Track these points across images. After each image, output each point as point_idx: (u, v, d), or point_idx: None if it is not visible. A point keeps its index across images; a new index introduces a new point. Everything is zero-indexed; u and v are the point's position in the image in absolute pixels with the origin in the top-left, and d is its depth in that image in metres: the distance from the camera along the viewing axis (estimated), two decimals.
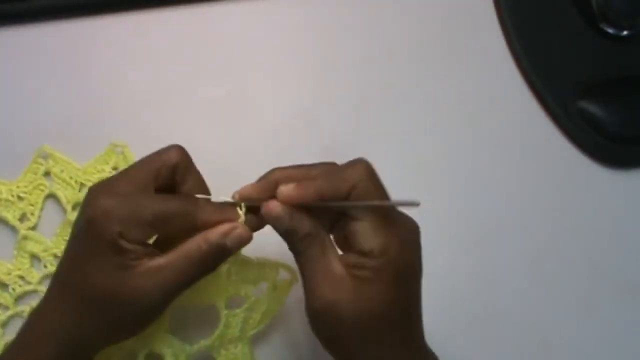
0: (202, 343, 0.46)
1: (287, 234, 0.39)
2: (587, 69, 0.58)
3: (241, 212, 0.40)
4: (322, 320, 0.39)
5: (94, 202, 0.38)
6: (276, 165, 0.42)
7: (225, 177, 0.44)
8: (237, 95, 0.54)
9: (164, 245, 0.40)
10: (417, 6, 0.57)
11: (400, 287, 0.39)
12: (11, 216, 0.49)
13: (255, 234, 0.41)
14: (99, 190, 0.39)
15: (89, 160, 0.51)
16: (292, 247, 0.40)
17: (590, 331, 0.53)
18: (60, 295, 0.40)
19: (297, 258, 0.40)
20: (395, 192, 0.48)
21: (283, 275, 0.47)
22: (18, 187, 0.50)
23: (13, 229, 0.49)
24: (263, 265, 0.47)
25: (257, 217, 0.41)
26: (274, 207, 0.39)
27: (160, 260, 0.38)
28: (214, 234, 0.39)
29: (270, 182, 0.40)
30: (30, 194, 0.50)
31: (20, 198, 0.50)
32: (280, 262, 0.47)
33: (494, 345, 0.52)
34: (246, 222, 0.41)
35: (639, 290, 0.54)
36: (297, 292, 0.48)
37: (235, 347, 0.48)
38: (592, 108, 0.56)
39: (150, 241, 0.41)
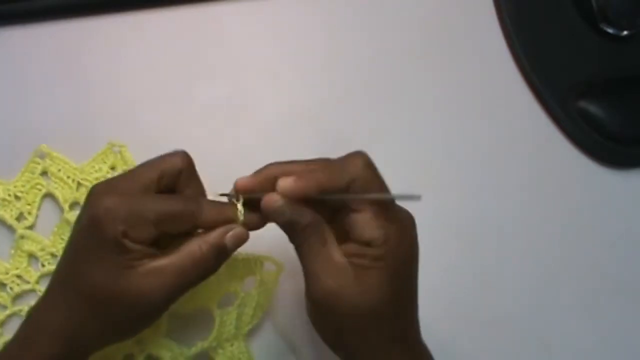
0: (200, 345, 0.46)
1: (288, 226, 0.40)
2: (587, 69, 0.58)
3: (239, 208, 0.40)
4: (323, 309, 0.39)
5: (97, 201, 0.38)
6: None
7: (225, 177, 0.44)
8: (237, 95, 0.54)
9: (164, 248, 0.40)
10: (417, 6, 0.57)
11: (400, 276, 0.39)
12: (8, 215, 0.49)
13: None
14: (101, 190, 0.39)
15: (86, 159, 0.51)
16: (293, 238, 0.40)
17: (590, 331, 0.53)
18: (61, 293, 0.40)
19: (297, 249, 0.40)
20: (395, 190, 0.48)
21: (268, 267, 0.48)
22: (15, 186, 0.50)
23: (10, 229, 0.49)
24: (247, 261, 0.47)
25: (257, 215, 0.41)
26: (274, 200, 0.39)
27: (162, 261, 0.38)
28: (213, 235, 0.40)
29: (267, 176, 0.40)
30: (28, 193, 0.50)
31: (17, 197, 0.50)
32: (264, 255, 0.47)
33: (494, 346, 0.52)
34: (245, 218, 0.41)
35: (639, 290, 0.54)
36: (289, 287, 0.48)
37: (231, 345, 0.48)
38: (592, 108, 0.56)
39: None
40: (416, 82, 0.56)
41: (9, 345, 0.40)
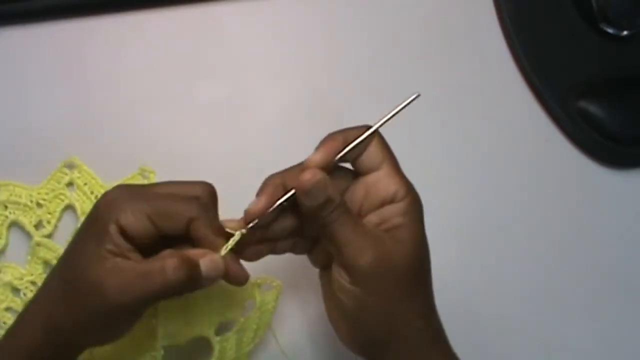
0: None
1: (323, 205, 0.38)
2: (587, 69, 0.58)
3: (227, 246, 0.39)
4: (367, 279, 0.38)
5: (106, 193, 0.39)
6: (277, 166, 0.41)
7: (225, 177, 0.44)
8: (237, 95, 0.54)
9: None
10: (417, 6, 0.57)
11: (423, 228, 0.40)
12: (28, 221, 0.49)
13: None
14: (116, 186, 0.40)
15: (86, 159, 0.50)
16: (324, 218, 0.39)
17: (589, 330, 0.53)
18: (49, 284, 0.39)
19: (329, 228, 0.39)
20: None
21: (266, 287, 0.47)
22: (39, 193, 0.49)
23: (29, 234, 0.49)
24: (244, 287, 0.45)
25: (238, 266, 0.40)
26: (313, 174, 0.38)
27: (129, 263, 0.38)
28: (189, 251, 0.39)
29: (272, 187, 0.39)
30: (50, 202, 0.49)
31: (39, 204, 0.49)
32: (261, 277, 0.46)
33: (494, 346, 0.52)
34: (226, 257, 0.39)
35: (639, 290, 0.54)
36: (295, 301, 0.48)
37: None
38: (592, 108, 0.56)
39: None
40: (416, 82, 0.56)
41: (5, 332, 0.39)
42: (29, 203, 0.49)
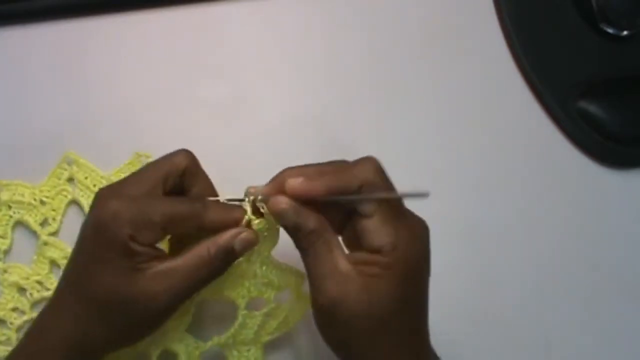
0: (216, 340, 0.45)
1: (293, 230, 0.39)
2: (586, 68, 0.58)
3: (248, 209, 0.41)
4: (327, 317, 0.39)
5: (104, 204, 0.39)
6: (277, 166, 0.41)
7: (226, 177, 0.44)
8: (237, 96, 0.54)
9: (173, 249, 0.41)
10: (417, 6, 0.57)
11: (410, 283, 0.39)
12: (32, 220, 0.49)
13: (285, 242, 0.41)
14: (107, 194, 0.40)
15: (86, 159, 0.51)
16: (298, 243, 0.40)
17: (589, 330, 0.53)
18: (67, 300, 0.39)
19: (303, 254, 0.40)
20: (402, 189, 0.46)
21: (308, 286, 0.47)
22: (41, 191, 0.49)
23: (33, 233, 0.49)
24: (290, 272, 0.46)
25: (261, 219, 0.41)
26: (279, 201, 0.39)
27: (169, 264, 0.39)
28: (223, 237, 0.40)
29: (280, 183, 0.40)
30: (53, 199, 0.49)
31: (42, 202, 0.49)
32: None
33: (494, 346, 0.52)
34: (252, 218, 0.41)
35: (639, 290, 0.54)
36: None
37: (248, 350, 0.47)
38: (592, 108, 0.56)
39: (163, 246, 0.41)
40: (416, 82, 0.56)
41: (14, 356, 0.39)
42: (32, 201, 0.49)
